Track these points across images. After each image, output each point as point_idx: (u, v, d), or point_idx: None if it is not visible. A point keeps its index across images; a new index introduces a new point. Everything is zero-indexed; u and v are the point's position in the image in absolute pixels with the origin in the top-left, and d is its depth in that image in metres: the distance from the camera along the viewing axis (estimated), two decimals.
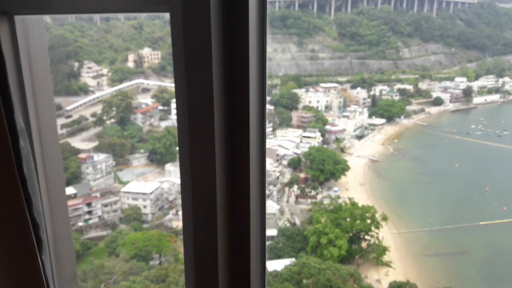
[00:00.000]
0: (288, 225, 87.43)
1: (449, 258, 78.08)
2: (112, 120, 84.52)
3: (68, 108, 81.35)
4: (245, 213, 2.02)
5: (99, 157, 76.44)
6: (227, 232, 2.04)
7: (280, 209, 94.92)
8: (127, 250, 67.71)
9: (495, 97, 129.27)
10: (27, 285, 1.69)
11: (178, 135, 1.98)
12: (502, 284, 71.14)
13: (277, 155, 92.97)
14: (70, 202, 63.91)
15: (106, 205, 73.82)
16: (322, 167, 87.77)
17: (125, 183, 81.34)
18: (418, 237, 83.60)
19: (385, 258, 72.52)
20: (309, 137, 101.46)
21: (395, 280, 60.84)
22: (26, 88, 2.78)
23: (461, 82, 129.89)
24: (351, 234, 76.05)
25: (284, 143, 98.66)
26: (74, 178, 71.57)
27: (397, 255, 76.53)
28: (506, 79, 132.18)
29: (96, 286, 43.64)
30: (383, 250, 71.37)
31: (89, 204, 71.18)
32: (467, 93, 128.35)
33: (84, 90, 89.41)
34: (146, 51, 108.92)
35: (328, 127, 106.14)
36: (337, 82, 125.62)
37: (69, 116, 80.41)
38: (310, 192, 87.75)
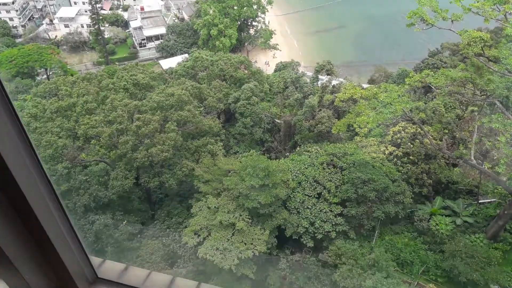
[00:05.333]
0: (176, 21, 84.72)
1: (329, 34, 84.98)
2: None
3: None
4: None
5: None
6: None
7: (166, 5, 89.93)
8: (6, 70, 62.43)
9: None
10: None
11: None
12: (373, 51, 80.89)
13: None
14: None
15: None
16: None
17: None
18: (302, 17, 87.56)
19: (272, 41, 76.77)
20: None
21: (281, 61, 66.54)
22: None
23: None
24: (239, 23, 77.00)
25: None
26: None
27: (282, 38, 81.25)
28: None
29: None
30: (270, 34, 74.97)
31: None
32: None
33: None
34: None
35: None
36: None
37: None
38: None
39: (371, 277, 29.46)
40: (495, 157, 37.27)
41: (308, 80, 53.22)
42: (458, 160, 37.12)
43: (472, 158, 33.68)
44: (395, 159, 38.59)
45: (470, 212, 36.61)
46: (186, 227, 36.28)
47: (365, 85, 56.84)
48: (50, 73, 71.27)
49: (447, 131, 39.69)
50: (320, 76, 55.41)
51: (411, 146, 38.81)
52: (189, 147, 41.64)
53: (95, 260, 3.79)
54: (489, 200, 38.21)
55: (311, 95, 50.18)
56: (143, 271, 3.92)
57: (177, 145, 39.06)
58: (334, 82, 52.29)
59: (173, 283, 3.88)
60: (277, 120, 50.21)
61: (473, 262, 31.44)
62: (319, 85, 51.78)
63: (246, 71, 55.97)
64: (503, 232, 34.73)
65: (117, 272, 3.82)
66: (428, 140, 36.97)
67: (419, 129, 38.29)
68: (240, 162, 39.08)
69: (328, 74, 55.04)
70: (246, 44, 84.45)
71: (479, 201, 38.09)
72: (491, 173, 35.37)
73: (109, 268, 3.83)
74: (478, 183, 38.14)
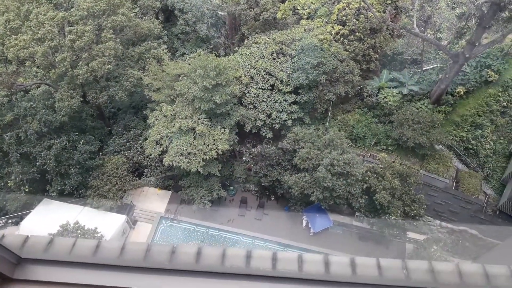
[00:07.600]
0: None
1: None
2: None
3: None
4: None
5: None
6: None
7: None
8: None
9: None
10: None
11: None
12: None
13: None
14: None
15: None
16: None
17: None
18: None
19: None
20: None
21: None
22: None
23: None
24: None
25: None
26: None
27: None
28: None
29: None
30: None
31: None
32: None
33: None
34: None
35: None
36: None
37: None
38: None
39: (328, 155, 31.50)
40: (436, 23, 37.87)
41: None
42: (401, 30, 37.50)
43: (415, 26, 34.05)
44: (342, 38, 38.49)
45: (415, 81, 38.27)
46: (146, 138, 36.38)
47: None
48: None
49: (390, 2, 39.23)
50: None
51: (356, 22, 38.49)
52: (131, 55, 39.63)
53: (17, 239, 3.86)
54: (432, 66, 39.79)
55: None
56: (69, 240, 4.07)
57: (119, 55, 37.05)
58: None
59: (99, 245, 4.08)
60: (220, 13, 47.72)
61: (419, 127, 33.92)
62: None
63: None
64: (445, 95, 36.98)
65: (41, 247, 3.94)
66: (372, 14, 36.65)
67: (362, 3, 37.63)
68: (189, 64, 37.93)
69: None
70: None
71: (423, 69, 39.62)
72: (433, 39, 36.24)
73: (33, 244, 3.94)
74: (422, 50, 39.21)
